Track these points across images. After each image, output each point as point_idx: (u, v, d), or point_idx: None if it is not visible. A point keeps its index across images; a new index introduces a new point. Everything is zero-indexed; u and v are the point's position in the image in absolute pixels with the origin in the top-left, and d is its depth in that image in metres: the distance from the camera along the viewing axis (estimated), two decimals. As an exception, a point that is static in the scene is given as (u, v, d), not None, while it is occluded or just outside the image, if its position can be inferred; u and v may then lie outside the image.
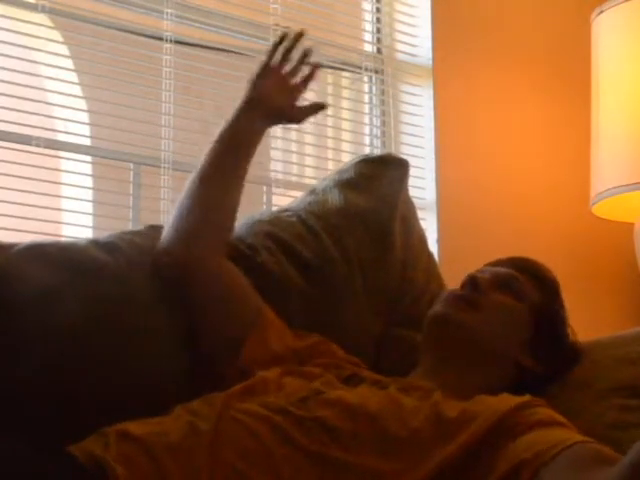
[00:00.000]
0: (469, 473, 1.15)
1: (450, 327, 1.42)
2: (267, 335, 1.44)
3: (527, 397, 1.23)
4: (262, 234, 1.63)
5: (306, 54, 1.55)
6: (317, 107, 1.59)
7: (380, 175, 1.80)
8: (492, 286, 1.45)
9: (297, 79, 1.56)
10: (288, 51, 1.54)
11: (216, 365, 1.41)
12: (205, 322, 1.43)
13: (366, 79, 2.67)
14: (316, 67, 1.57)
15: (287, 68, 1.55)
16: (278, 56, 1.53)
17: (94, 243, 1.48)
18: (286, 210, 1.74)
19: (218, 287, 1.46)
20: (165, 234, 1.48)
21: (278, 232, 1.64)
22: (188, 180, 1.50)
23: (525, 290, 1.47)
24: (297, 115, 1.58)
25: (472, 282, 1.45)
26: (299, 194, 1.84)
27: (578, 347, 1.51)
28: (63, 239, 2.12)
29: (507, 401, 1.22)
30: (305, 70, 1.57)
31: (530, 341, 1.44)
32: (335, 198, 1.73)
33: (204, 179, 1.48)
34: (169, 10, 2.29)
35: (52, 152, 2.16)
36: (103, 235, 1.53)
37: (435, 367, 1.40)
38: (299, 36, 1.54)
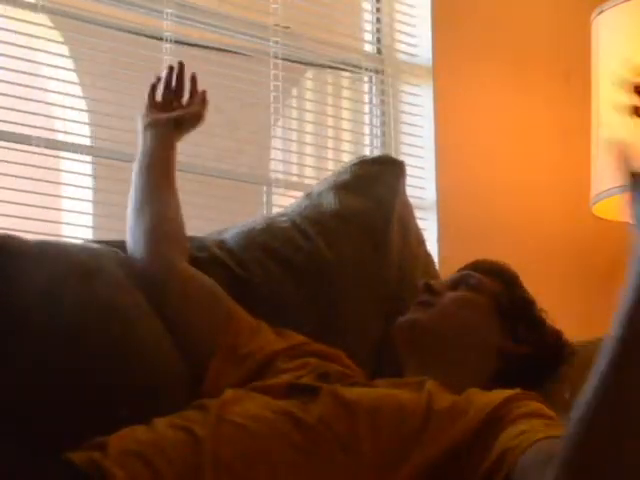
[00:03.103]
0: (462, 465, 1.15)
1: (411, 329, 1.45)
2: (237, 342, 1.44)
3: (517, 390, 1.24)
4: (254, 246, 1.62)
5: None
6: (202, 97, 1.70)
7: (376, 176, 1.80)
8: (447, 288, 1.49)
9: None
10: (168, 84, 1.69)
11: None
12: (182, 327, 1.45)
13: (366, 79, 2.67)
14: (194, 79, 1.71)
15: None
16: (159, 92, 1.69)
17: (91, 244, 1.48)
18: (282, 215, 1.74)
19: (191, 289, 1.48)
20: (132, 248, 1.52)
21: (271, 242, 1.64)
22: (129, 208, 1.57)
23: (482, 282, 1.49)
24: (194, 115, 1.69)
25: (426, 287, 1.49)
26: (299, 194, 1.84)
27: (556, 328, 1.52)
28: (62, 239, 2.12)
29: (497, 395, 1.22)
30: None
31: (506, 327, 1.46)
32: (330, 201, 1.73)
33: (146, 199, 1.57)
34: (169, 10, 2.29)
35: (52, 152, 2.16)
36: (103, 237, 1.53)
37: (417, 372, 1.41)
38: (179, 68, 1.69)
